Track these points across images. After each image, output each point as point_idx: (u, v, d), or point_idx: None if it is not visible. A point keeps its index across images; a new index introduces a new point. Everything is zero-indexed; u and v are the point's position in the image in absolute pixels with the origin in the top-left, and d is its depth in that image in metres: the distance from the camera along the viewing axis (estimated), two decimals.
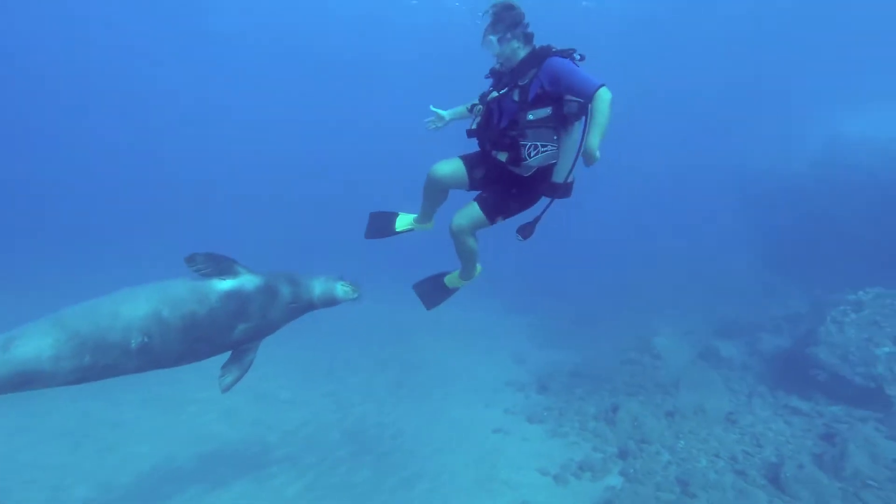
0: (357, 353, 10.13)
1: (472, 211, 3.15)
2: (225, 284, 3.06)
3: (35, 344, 2.66)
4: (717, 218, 21.20)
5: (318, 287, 3.43)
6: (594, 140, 2.71)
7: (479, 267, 3.64)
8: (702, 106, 29.33)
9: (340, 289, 3.46)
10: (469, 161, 3.30)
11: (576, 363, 10.04)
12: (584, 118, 2.98)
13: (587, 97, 2.77)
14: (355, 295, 3.51)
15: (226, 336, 3.09)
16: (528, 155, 2.90)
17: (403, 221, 3.90)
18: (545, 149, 2.91)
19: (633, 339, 11.64)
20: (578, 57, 2.93)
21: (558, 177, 3.12)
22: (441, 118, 3.56)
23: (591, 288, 16.59)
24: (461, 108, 3.51)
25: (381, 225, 3.94)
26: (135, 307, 2.84)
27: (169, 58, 31.58)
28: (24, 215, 22.88)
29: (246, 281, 3.14)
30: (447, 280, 3.78)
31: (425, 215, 3.76)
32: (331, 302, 3.47)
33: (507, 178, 3.09)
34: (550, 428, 6.98)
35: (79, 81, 32.68)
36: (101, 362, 2.78)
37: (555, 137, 2.93)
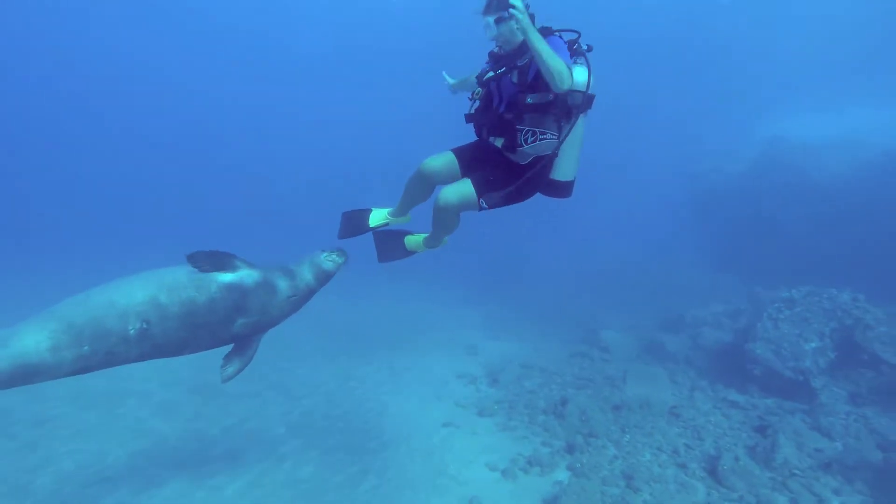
0: (306, 345, 9.86)
1: (464, 189, 2.93)
2: (225, 277, 3.14)
3: (32, 337, 2.70)
4: (664, 215, 21.99)
5: (308, 271, 3.50)
6: (530, 26, 2.51)
7: (445, 239, 3.47)
8: (651, 106, 30.30)
9: (326, 261, 3.52)
10: (462, 154, 3.13)
11: (527, 355, 10.13)
12: (587, 112, 2.85)
13: None
14: (342, 260, 3.56)
15: (226, 328, 3.16)
16: (525, 141, 2.75)
17: (377, 217, 3.70)
18: (543, 137, 2.75)
19: (583, 332, 11.90)
20: (586, 47, 2.81)
21: (557, 173, 2.96)
22: (450, 85, 3.41)
23: (543, 282, 16.86)
24: (470, 78, 3.26)
25: (354, 223, 3.74)
26: (131, 294, 2.89)
27: (172, 53, 31.56)
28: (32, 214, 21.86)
29: (245, 276, 3.22)
30: (408, 241, 3.61)
31: (403, 210, 3.57)
32: (326, 278, 3.56)
33: (505, 166, 2.92)
34: (500, 422, 6.99)
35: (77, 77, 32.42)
36: (101, 350, 2.82)
37: (556, 126, 2.78)
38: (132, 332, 2.83)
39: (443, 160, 3.12)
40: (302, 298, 3.51)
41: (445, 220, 3.08)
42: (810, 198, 14.75)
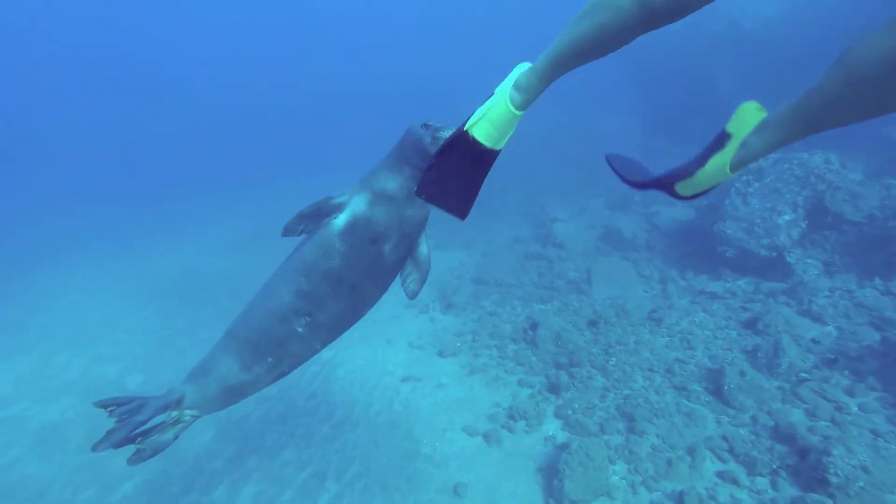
0: (223, 293, 8.35)
1: None
2: (338, 223, 2.65)
3: (224, 361, 2.75)
4: (591, 79, 20.67)
5: (413, 155, 2.61)
6: None
7: None
8: None
9: (429, 139, 2.58)
10: None
11: (477, 265, 9.17)
12: None
13: None
14: (444, 132, 2.56)
15: (380, 267, 2.72)
16: None
17: None
18: None
19: (531, 226, 11.05)
20: None
21: None
22: None
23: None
24: None
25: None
26: (279, 297, 2.69)
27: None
28: None
29: (353, 205, 2.67)
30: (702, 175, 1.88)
31: (548, 71, 1.71)
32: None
33: None
34: (466, 361, 6.09)
35: None
36: (285, 355, 2.73)
37: None
38: (301, 329, 2.67)
39: None
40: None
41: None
42: (740, 49, 13.86)
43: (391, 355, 6.49)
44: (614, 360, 5.51)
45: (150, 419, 2.65)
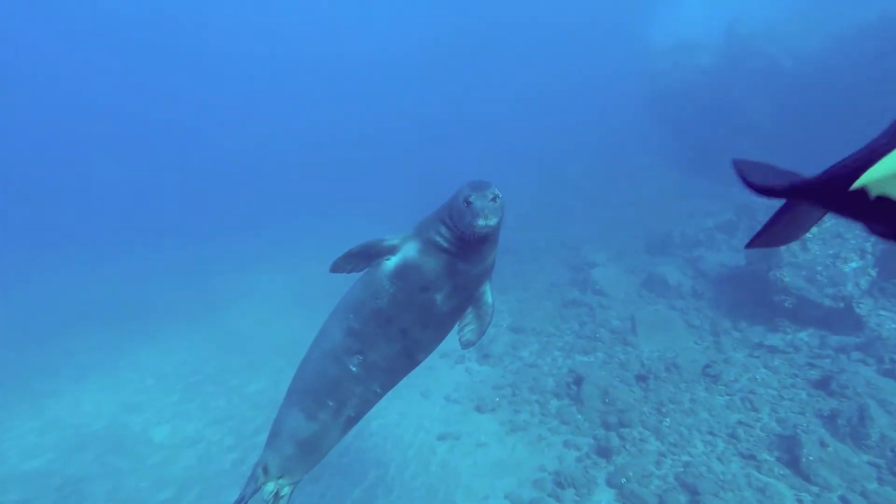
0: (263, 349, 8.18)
1: None
2: (389, 265, 2.67)
3: (290, 415, 2.80)
4: (625, 123, 20.51)
5: (458, 220, 2.52)
6: None
7: None
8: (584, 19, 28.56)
9: (467, 219, 2.44)
10: None
11: (513, 312, 8.82)
12: None
13: None
14: (493, 218, 2.41)
15: (432, 313, 2.68)
16: None
17: None
18: None
19: (568, 270, 10.68)
20: None
21: None
22: None
23: (508, 212, 15.43)
24: None
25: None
26: (332, 337, 2.75)
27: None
28: None
29: (406, 250, 2.69)
30: None
31: None
32: (492, 211, 2.55)
33: None
34: (507, 418, 5.69)
35: None
36: (345, 398, 2.73)
37: None
38: (354, 369, 2.70)
39: None
40: (475, 246, 2.56)
41: None
42: (777, 85, 13.58)
43: (427, 410, 6.14)
44: (668, 420, 5.05)
45: (246, 496, 2.74)
